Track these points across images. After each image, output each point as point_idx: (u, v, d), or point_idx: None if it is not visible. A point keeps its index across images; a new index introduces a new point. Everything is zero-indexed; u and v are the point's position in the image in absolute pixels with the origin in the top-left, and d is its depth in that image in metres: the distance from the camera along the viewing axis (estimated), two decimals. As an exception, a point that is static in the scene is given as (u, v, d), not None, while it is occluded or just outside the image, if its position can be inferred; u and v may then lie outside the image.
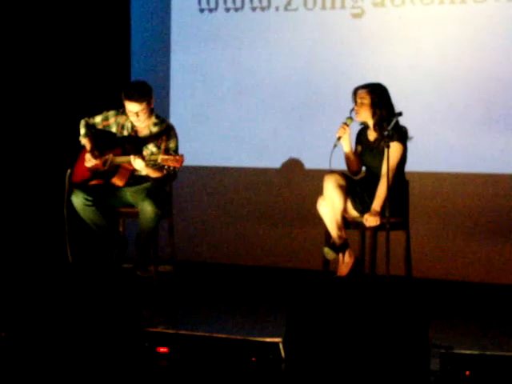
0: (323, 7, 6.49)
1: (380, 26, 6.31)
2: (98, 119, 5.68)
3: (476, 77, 6.01)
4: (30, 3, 7.00)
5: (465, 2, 6.05)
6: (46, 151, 6.94)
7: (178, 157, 5.26)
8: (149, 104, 5.51)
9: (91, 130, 5.65)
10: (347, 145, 5.30)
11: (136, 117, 5.50)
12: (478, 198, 6.02)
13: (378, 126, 5.25)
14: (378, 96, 5.23)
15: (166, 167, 5.27)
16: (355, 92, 5.29)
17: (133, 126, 5.60)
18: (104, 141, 5.61)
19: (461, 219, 6.07)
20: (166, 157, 5.26)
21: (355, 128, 5.40)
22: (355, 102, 5.29)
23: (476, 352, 3.97)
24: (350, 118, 5.29)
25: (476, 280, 5.96)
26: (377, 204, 5.13)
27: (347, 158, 5.37)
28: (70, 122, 6.11)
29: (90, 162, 5.59)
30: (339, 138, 5.26)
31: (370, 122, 5.31)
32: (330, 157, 5.11)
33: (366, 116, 5.28)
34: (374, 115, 5.25)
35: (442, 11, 6.13)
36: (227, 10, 6.81)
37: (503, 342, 4.63)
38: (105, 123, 5.67)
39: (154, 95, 5.57)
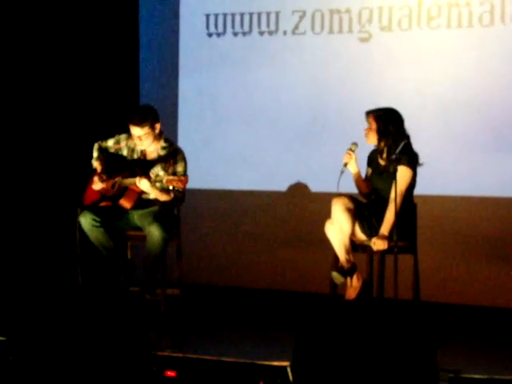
0: (330, 31, 6.52)
1: (387, 50, 6.34)
2: (110, 142, 5.72)
3: (484, 100, 6.02)
4: (44, 34, 7.06)
5: (472, 25, 6.08)
6: (59, 174, 6.98)
7: (182, 177, 5.29)
8: (152, 129, 5.51)
9: (103, 153, 5.70)
10: (354, 170, 5.31)
11: (139, 140, 5.53)
12: (486, 221, 6.01)
13: (386, 153, 5.25)
14: (384, 123, 5.22)
15: (172, 189, 5.29)
16: (366, 115, 5.30)
17: (142, 150, 5.63)
18: (115, 164, 5.64)
19: (469, 243, 6.05)
20: (170, 177, 5.30)
21: (367, 150, 5.41)
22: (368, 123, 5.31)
23: (485, 376, 3.95)
24: (355, 143, 5.30)
25: (485, 304, 5.94)
26: (385, 228, 5.13)
27: (356, 182, 5.38)
28: (80, 146, 6.15)
29: (97, 184, 5.63)
30: (345, 165, 5.28)
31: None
32: (338, 183, 5.12)
33: (373, 140, 5.30)
34: (379, 142, 5.27)
35: (449, 35, 6.16)
36: (235, 34, 6.85)
37: (512, 367, 4.61)
38: (116, 146, 5.70)
39: (159, 119, 5.57)
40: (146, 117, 5.50)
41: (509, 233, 5.93)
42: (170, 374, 4.20)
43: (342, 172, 5.22)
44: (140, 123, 5.48)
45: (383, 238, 5.11)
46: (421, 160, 5.24)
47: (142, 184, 5.42)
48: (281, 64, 6.66)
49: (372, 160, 5.39)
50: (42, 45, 7.06)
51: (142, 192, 5.54)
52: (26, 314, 4.68)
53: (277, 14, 6.69)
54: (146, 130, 5.49)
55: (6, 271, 6.69)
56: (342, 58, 6.47)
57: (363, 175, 5.40)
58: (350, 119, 5.55)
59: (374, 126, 5.25)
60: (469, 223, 6.07)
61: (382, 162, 5.33)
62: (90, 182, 5.73)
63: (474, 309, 5.91)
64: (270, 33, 6.73)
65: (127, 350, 4.24)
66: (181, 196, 5.52)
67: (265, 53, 6.73)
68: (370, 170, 5.40)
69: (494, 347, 5.16)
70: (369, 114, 5.29)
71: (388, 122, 5.23)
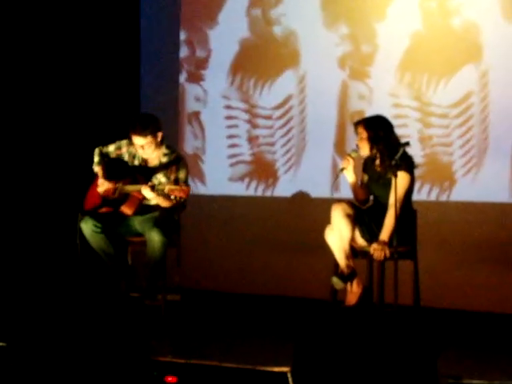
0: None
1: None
2: (111, 148, 5.73)
3: (483, 107, 6.03)
4: (48, 43, 7.09)
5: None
6: (60, 179, 6.99)
7: (184, 187, 5.29)
8: (154, 137, 5.52)
9: (104, 158, 5.70)
10: (351, 176, 5.32)
11: (142, 149, 5.54)
12: (486, 227, 6.01)
13: (380, 159, 5.27)
14: (374, 130, 5.24)
15: (172, 197, 5.29)
16: (355, 126, 5.33)
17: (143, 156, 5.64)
18: (116, 169, 5.65)
19: (469, 248, 6.06)
20: (172, 187, 5.29)
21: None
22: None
23: (485, 382, 3.96)
24: (355, 150, 5.31)
25: (485, 309, 5.94)
26: (385, 234, 5.13)
27: (353, 189, 5.38)
28: (81, 151, 6.17)
29: (102, 186, 5.63)
30: (342, 170, 5.29)
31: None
32: (331, 186, 5.15)
33: (367, 150, 5.31)
34: (371, 149, 5.27)
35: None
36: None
37: (512, 372, 4.60)
38: (117, 152, 5.71)
39: (161, 127, 5.58)
40: (148, 126, 5.50)
41: (509, 238, 5.93)
42: (171, 379, 4.21)
43: (337, 176, 5.24)
44: (142, 132, 5.48)
45: (383, 244, 5.11)
46: (415, 163, 5.27)
47: (146, 193, 5.41)
48: (284, 69, 6.68)
49: (367, 166, 5.40)
50: (46, 53, 7.08)
51: (144, 198, 5.54)
52: (27, 319, 4.69)
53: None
54: (149, 139, 5.50)
55: (6, 277, 6.70)
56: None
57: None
58: (352, 125, 5.57)
59: (364, 134, 5.27)
60: (469, 229, 6.07)
61: (377, 168, 5.33)
62: (90, 187, 5.74)
63: (475, 314, 5.90)
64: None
65: (128, 355, 4.25)
66: (181, 203, 5.52)
67: (266, 60, 6.75)
68: (365, 177, 5.41)
69: (494, 353, 5.16)
70: (357, 124, 5.31)
71: (378, 128, 5.25)
